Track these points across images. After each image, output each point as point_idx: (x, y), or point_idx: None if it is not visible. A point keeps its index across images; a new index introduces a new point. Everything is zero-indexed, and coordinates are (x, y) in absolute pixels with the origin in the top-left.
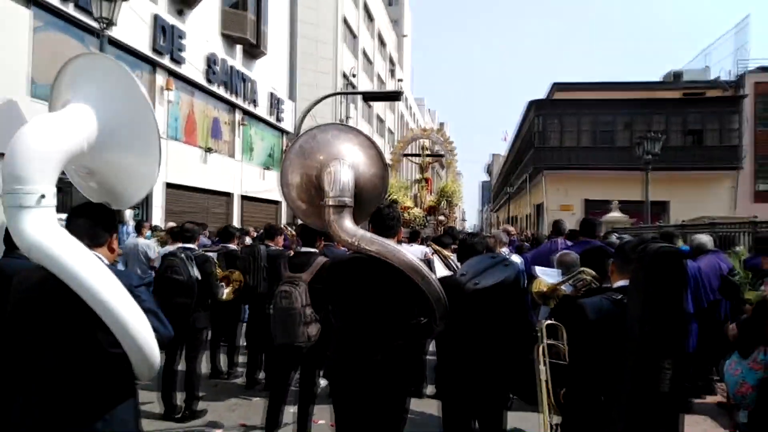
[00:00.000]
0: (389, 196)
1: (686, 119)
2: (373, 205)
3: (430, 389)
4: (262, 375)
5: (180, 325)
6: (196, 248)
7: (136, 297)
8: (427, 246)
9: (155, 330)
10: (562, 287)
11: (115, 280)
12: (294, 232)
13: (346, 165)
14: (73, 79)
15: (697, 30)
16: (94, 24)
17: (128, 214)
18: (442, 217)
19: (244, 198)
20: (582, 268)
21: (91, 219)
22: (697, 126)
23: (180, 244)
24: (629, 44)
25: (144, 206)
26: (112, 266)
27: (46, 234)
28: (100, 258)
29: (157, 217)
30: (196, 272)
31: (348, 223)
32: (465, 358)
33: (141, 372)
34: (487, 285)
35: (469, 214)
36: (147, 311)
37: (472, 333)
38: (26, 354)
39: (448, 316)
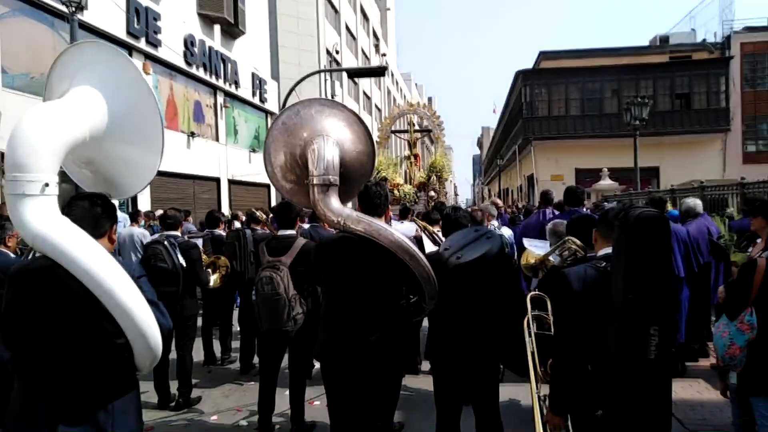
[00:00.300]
0: (379, 173)
1: (673, 83)
2: (361, 184)
3: (426, 365)
4: (256, 359)
5: (168, 314)
6: (180, 235)
7: (139, 287)
8: (411, 221)
9: (157, 321)
10: (550, 258)
11: (121, 270)
12: (263, 217)
13: (331, 141)
14: (74, 67)
15: None
16: (64, 9)
17: (114, 203)
18: (432, 193)
19: (231, 182)
20: (568, 237)
21: (92, 209)
22: (685, 89)
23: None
24: (615, 10)
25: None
26: (114, 256)
27: (50, 223)
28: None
29: (144, 206)
30: (180, 259)
31: (334, 202)
32: (453, 333)
33: (143, 363)
34: (469, 259)
35: (462, 188)
36: (149, 302)
37: (458, 307)
38: (27, 345)
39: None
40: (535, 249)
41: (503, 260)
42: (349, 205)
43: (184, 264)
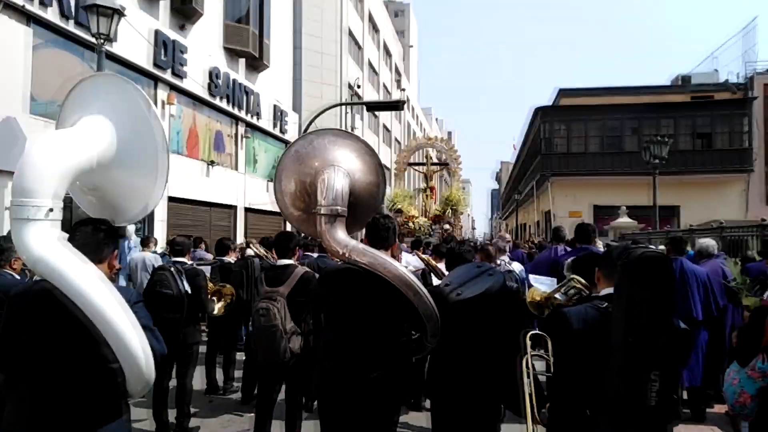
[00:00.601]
0: (394, 205)
1: (695, 123)
2: (370, 214)
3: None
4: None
5: (170, 341)
6: (188, 262)
7: (135, 313)
8: (414, 254)
9: (150, 347)
10: (556, 296)
11: (118, 297)
12: (257, 250)
13: (341, 172)
14: (86, 98)
15: (704, 33)
16: (94, 40)
17: (131, 228)
18: (447, 226)
19: (248, 210)
20: (572, 276)
21: (95, 234)
22: (706, 129)
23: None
24: (635, 48)
25: (146, 220)
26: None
27: (52, 248)
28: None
29: (160, 232)
30: (186, 286)
31: (340, 233)
32: (452, 371)
33: (134, 388)
34: (470, 295)
35: (479, 222)
36: (144, 328)
37: (458, 345)
38: (21, 367)
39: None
40: (541, 286)
41: (506, 297)
42: (358, 235)
43: (189, 291)
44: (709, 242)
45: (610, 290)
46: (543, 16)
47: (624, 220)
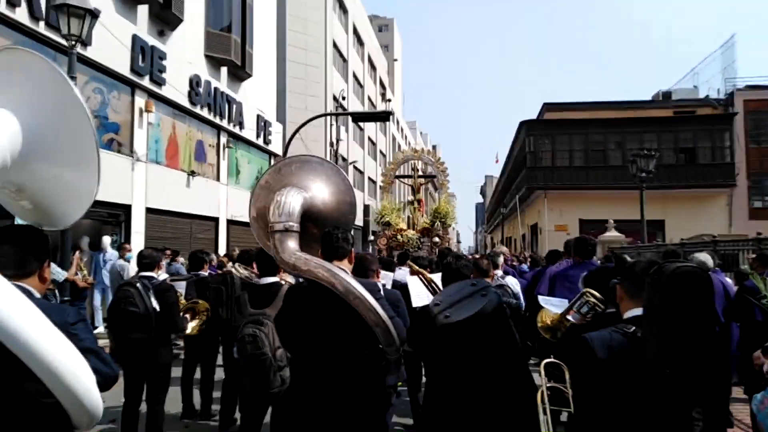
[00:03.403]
0: (383, 218)
1: (678, 137)
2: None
3: None
4: (238, 414)
5: (138, 362)
6: (156, 276)
7: (72, 335)
8: (407, 265)
9: (96, 371)
10: (568, 317)
11: (41, 319)
12: (240, 273)
13: (295, 191)
14: None
15: (684, 50)
16: (65, 42)
17: (106, 241)
18: (436, 239)
19: (230, 222)
20: (585, 290)
21: (17, 245)
22: (689, 144)
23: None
24: (617, 66)
25: (123, 232)
26: (42, 300)
27: None
28: (27, 290)
29: (138, 244)
30: (154, 303)
31: (291, 244)
32: (445, 400)
33: (79, 421)
34: (457, 319)
35: (464, 236)
36: (85, 351)
37: (450, 372)
38: None
39: (412, 343)
40: (552, 308)
41: (500, 319)
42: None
43: (158, 308)
44: (706, 256)
45: (637, 311)
46: (528, 31)
47: (612, 234)
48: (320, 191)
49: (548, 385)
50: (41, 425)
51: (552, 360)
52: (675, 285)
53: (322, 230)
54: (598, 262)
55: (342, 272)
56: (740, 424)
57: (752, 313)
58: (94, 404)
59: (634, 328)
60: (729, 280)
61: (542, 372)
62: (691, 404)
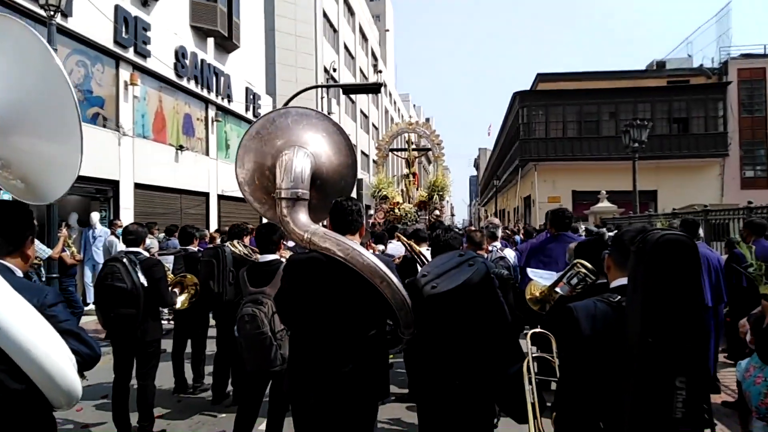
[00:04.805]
0: (380, 191)
1: (671, 107)
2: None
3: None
4: (230, 388)
5: (127, 338)
6: (143, 252)
7: (51, 317)
8: (397, 239)
9: (77, 353)
10: (557, 289)
11: (17, 300)
12: (239, 250)
13: (302, 153)
14: None
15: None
16: (43, 13)
17: (95, 217)
18: (437, 212)
19: (221, 197)
20: (576, 261)
21: None
22: (683, 114)
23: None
24: (612, 34)
25: (111, 208)
26: (23, 279)
27: None
28: (8, 268)
29: (127, 220)
30: (141, 278)
31: (302, 217)
32: (431, 370)
33: (57, 401)
34: (444, 289)
35: (458, 209)
36: (64, 332)
37: (436, 342)
38: None
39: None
40: (541, 280)
41: (488, 289)
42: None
43: (146, 283)
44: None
45: (623, 280)
46: (522, 1)
47: (604, 204)
48: (321, 151)
49: (535, 354)
50: (17, 406)
51: (538, 330)
52: (658, 253)
53: (322, 196)
54: (582, 235)
55: (367, 252)
56: (727, 390)
57: (740, 281)
58: (69, 384)
59: (619, 297)
60: (712, 253)
61: (528, 342)
62: (674, 373)
